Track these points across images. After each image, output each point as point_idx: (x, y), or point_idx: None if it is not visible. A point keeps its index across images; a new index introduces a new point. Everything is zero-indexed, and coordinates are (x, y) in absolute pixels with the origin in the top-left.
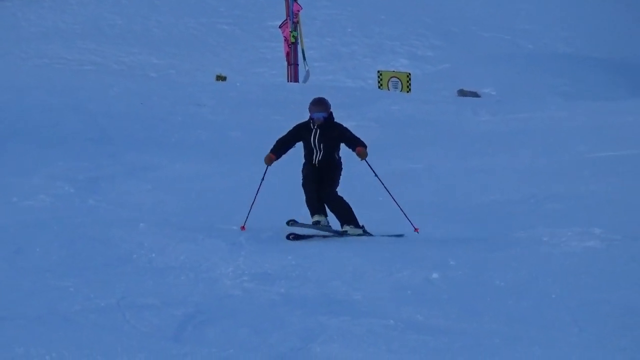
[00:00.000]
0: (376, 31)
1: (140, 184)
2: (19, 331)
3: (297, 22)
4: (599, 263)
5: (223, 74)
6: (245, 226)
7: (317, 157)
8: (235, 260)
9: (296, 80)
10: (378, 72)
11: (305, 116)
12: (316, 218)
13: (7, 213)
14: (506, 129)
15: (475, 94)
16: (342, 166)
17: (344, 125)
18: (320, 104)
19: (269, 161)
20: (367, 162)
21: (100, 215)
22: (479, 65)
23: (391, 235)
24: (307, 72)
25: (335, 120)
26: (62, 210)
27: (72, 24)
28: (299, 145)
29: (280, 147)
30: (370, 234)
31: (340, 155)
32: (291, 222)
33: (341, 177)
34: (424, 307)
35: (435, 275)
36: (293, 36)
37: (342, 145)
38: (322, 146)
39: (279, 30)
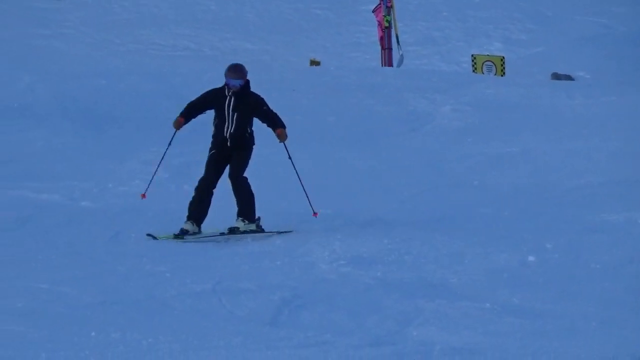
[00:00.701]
0: (470, 15)
1: None
2: (115, 316)
3: (391, 6)
4: None
5: (317, 59)
6: (146, 194)
7: (230, 128)
8: (331, 244)
9: (390, 64)
10: (472, 55)
11: (399, 99)
12: (187, 226)
13: (104, 199)
14: (600, 111)
15: (569, 77)
16: (254, 143)
17: (262, 96)
18: (237, 70)
19: (177, 125)
20: (284, 144)
21: None
22: (572, 49)
23: (280, 232)
24: (401, 56)
25: (252, 90)
26: (157, 196)
27: (166, 10)
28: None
29: (191, 111)
30: (262, 230)
31: (252, 130)
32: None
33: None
34: (520, 290)
35: (531, 258)
36: (387, 20)
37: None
38: (235, 116)
39: (373, 14)
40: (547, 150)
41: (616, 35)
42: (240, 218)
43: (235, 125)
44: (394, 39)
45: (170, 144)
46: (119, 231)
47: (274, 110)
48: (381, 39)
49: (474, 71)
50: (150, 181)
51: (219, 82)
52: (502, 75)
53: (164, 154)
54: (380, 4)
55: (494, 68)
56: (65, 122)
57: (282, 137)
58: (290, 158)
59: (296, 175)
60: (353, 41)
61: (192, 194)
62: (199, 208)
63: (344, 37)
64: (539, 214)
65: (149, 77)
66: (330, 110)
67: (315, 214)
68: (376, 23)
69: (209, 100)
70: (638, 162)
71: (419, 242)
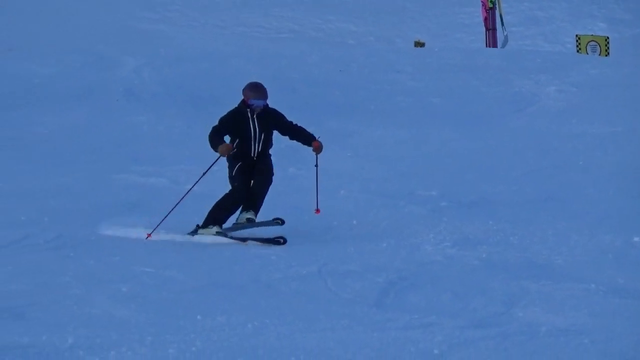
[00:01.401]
0: None
1: (340, 151)
2: (220, 299)
3: None
4: None
5: (421, 40)
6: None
7: (257, 148)
8: (436, 226)
9: (494, 45)
10: (576, 36)
11: (504, 81)
12: (219, 229)
13: (209, 182)
14: None
15: None
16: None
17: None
18: (260, 90)
19: (228, 151)
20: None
21: (301, 183)
22: None
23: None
24: (506, 37)
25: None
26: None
27: None
28: None
29: (221, 137)
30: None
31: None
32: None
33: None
34: (625, 271)
35: (636, 239)
36: (491, 1)
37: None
38: (262, 136)
39: None
40: None
41: None
42: (252, 211)
43: (262, 146)
44: (498, 20)
45: (210, 167)
46: None
47: (296, 123)
48: (485, 19)
49: (578, 51)
50: (172, 209)
51: (323, 64)
52: (606, 56)
53: (201, 177)
54: None
55: (598, 48)
56: (170, 106)
57: (319, 150)
58: (316, 166)
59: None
60: (457, 22)
61: (220, 201)
62: (225, 216)
63: (448, 18)
64: None
65: (253, 60)
66: (436, 92)
67: (317, 210)
68: (480, 4)
69: (232, 126)
70: None
71: (525, 223)
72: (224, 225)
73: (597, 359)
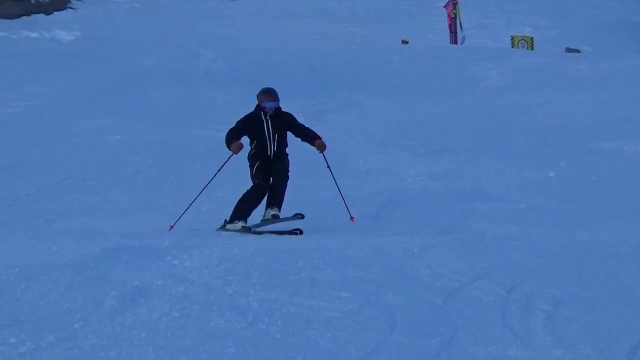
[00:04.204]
0: (509, 9)
1: (350, 114)
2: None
3: (456, 2)
4: None
5: (406, 39)
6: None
7: (272, 148)
8: (414, 165)
9: (456, 42)
10: (511, 36)
11: (461, 66)
12: (243, 223)
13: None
14: (597, 73)
15: (576, 50)
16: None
17: (291, 113)
18: (272, 94)
19: (238, 148)
20: (323, 155)
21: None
22: (580, 31)
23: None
24: (464, 37)
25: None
26: None
27: (301, 7)
28: None
29: (236, 137)
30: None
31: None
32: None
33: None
34: (542, 196)
35: (551, 174)
36: (454, 12)
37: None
38: (276, 137)
39: (444, 8)
40: (562, 100)
41: (608, 21)
42: (276, 207)
43: (277, 145)
44: (458, 25)
45: (222, 167)
46: None
47: (306, 125)
48: (449, 25)
49: (512, 47)
50: (185, 210)
51: (338, 55)
52: (531, 50)
53: (216, 174)
54: (449, 1)
55: (526, 44)
56: (234, 83)
57: (322, 148)
58: (328, 167)
59: (334, 182)
60: (430, 27)
61: (243, 197)
62: (249, 211)
63: (424, 24)
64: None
65: (291, 52)
66: (415, 74)
67: (352, 218)
68: (446, 14)
69: (247, 127)
70: (623, 107)
71: (474, 163)
72: (249, 219)
73: (522, 254)
